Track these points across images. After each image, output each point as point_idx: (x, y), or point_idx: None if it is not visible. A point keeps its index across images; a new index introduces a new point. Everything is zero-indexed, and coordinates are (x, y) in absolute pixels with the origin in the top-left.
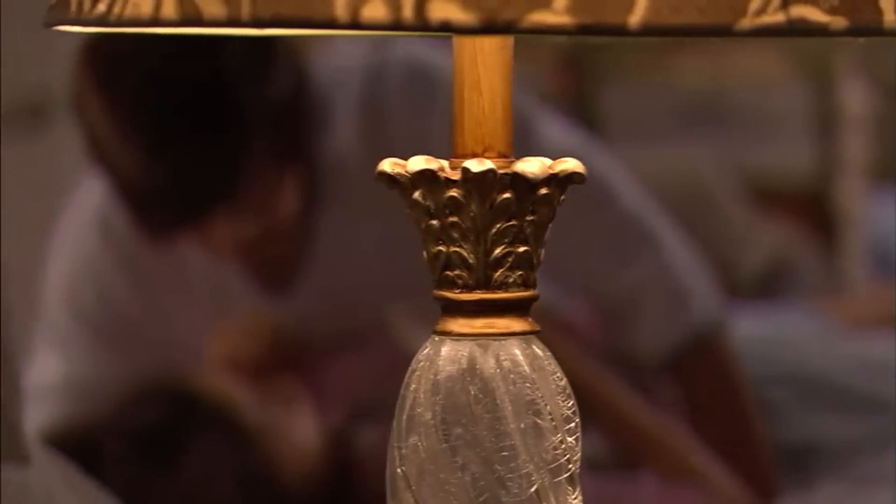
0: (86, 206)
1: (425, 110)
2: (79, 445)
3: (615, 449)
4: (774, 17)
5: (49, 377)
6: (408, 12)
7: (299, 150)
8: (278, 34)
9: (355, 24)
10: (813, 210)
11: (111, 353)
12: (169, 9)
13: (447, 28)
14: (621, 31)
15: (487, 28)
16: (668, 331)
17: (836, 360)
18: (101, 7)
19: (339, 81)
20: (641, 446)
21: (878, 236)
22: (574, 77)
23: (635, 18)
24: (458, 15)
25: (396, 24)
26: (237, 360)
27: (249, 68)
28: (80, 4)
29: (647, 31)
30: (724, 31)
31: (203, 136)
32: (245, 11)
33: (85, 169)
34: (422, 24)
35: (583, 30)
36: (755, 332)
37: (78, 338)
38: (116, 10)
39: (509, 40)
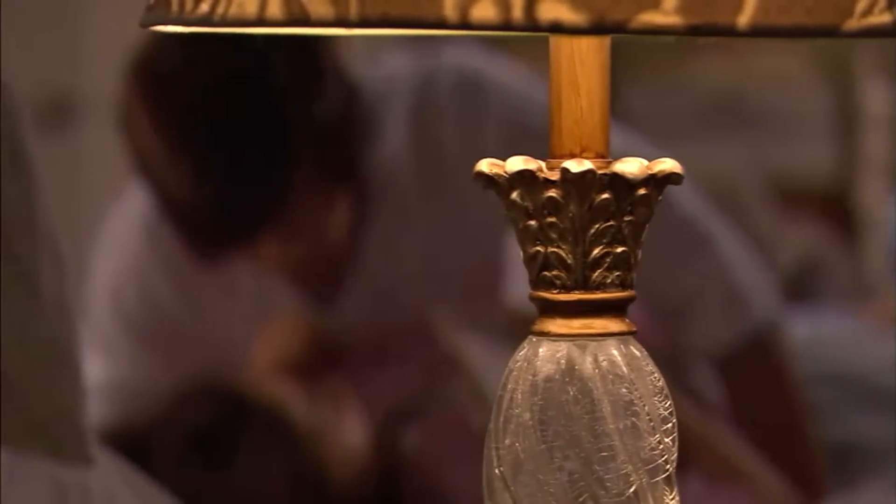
0: (131, 210)
1: (477, 118)
2: (128, 446)
3: None
4: (880, 18)
5: (94, 378)
6: (517, 12)
7: (350, 167)
8: (384, 34)
9: (464, 25)
10: (834, 210)
11: (156, 355)
12: (275, 8)
13: (557, 28)
14: (730, 31)
15: (597, 29)
16: (725, 330)
17: (874, 361)
18: (205, 7)
19: (388, 92)
20: (688, 447)
21: None
22: None
23: (744, 19)
24: (567, 15)
25: (506, 25)
26: (282, 361)
27: (298, 86)
28: (182, 4)
29: (756, 31)
30: (832, 32)
31: (251, 157)
32: (353, 11)
33: (110, 167)
34: (531, 25)
35: (692, 30)
36: (792, 333)
37: (122, 339)
38: (220, 9)
39: (607, 40)
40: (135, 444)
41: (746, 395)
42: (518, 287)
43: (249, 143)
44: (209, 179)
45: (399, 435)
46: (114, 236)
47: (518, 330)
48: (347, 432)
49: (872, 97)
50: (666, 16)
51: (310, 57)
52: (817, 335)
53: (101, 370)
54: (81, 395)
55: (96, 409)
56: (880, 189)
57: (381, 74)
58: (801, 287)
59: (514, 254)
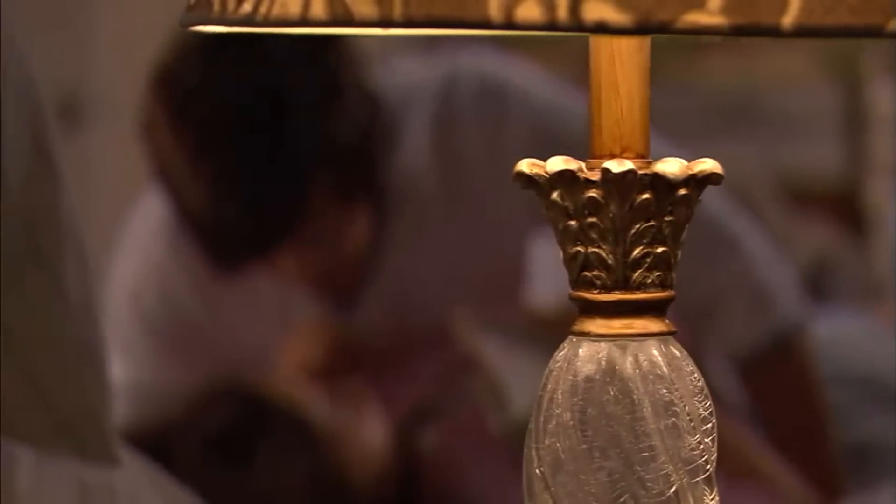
0: (151, 212)
1: (499, 122)
2: (148, 447)
3: None
4: None
5: (114, 379)
6: (562, 13)
7: (370, 178)
8: (428, 34)
9: (509, 25)
10: (843, 210)
11: (175, 356)
12: (318, 8)
13: (602, 29)
14: (775, 31)
15: (642, 29)
16: (751, 331)
17: (889, 361)
18: (247, 6)
19: (408, 99)
20: None
21: None
22: None
23: (788, 19)
24: (612, 15)
25: (551, 25)
26: (307, 368)
27: (319, 100)
28: (224, 4)
29: (800, 31)
30: (876, 33)
31: (271, 170)
32: (397, 12)
33: (120, 168)
34: (576, 25)
35: (737, 31)
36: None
37: (142, 341)
38: (263, 9)
39: (647, 41)
40: (155, 445)
41: (769, 395)
42: (542, 289)
43: (269, 156)
44: (229, 192)
45: (418, 435)
46: (134, 238)
47: (538, 331)
48: (367, 433)
49: (880, 97)
50: (711, 16)
51: (331, 70)
52: (832, 336)
53: (121, 371)
54: (107, 396)
55: (116, 410)
56: (889, 189)
57: (399, 82)
58: (813, 287)
59: (539, 256)
